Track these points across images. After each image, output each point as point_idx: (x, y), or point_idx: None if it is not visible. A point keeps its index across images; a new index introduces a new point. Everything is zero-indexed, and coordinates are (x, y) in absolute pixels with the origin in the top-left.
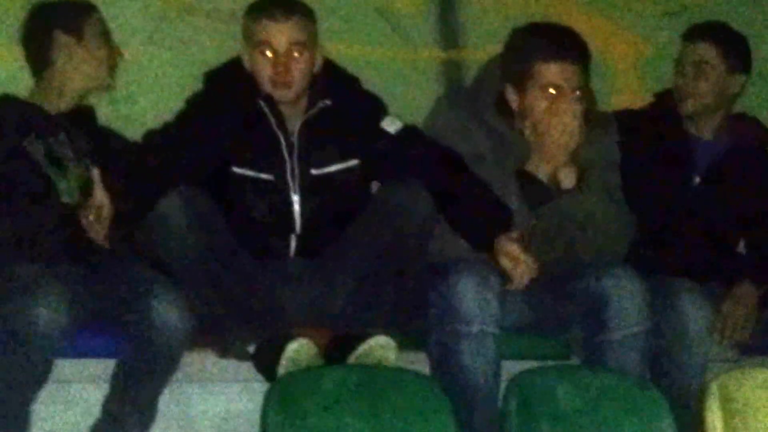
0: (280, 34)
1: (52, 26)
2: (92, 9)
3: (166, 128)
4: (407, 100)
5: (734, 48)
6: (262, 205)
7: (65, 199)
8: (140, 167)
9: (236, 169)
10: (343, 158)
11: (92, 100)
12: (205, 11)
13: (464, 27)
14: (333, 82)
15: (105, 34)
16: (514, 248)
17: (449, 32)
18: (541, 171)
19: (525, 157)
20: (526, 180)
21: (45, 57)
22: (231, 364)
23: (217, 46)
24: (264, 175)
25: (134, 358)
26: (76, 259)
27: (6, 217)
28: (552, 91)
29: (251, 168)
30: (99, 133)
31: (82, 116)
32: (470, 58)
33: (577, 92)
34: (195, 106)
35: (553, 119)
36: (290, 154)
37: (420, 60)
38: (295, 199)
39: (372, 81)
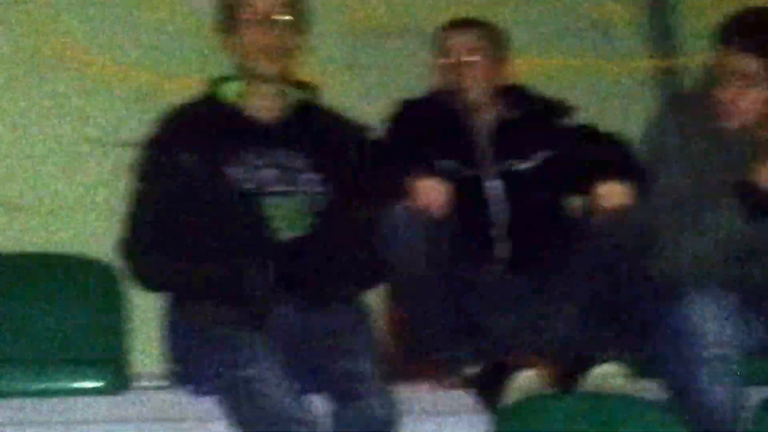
0: (457, 41)
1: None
2: None
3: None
4: (622, 110)
5: None
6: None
7: (279, 230)
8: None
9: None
10: (534, 157)
11: None
12: (400, 32)
13: (677, 34)
14: (519, 95)
15: (255, 16)
16: None
17: (663, 40)
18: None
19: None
20: (748, 190)
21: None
22: (446, 397)
23: (414, 67)
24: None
25: None
26: (287, 301)
27: (206, 251)
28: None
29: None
30: (322, 133)
31: (300, 117)
32: (686, 65)
33: None
34: (400, 115)
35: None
36: (484, 155)
37: (634, 70)
38: (494, 194)
39: (586, 93)
